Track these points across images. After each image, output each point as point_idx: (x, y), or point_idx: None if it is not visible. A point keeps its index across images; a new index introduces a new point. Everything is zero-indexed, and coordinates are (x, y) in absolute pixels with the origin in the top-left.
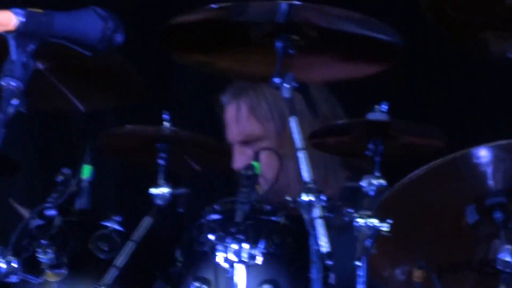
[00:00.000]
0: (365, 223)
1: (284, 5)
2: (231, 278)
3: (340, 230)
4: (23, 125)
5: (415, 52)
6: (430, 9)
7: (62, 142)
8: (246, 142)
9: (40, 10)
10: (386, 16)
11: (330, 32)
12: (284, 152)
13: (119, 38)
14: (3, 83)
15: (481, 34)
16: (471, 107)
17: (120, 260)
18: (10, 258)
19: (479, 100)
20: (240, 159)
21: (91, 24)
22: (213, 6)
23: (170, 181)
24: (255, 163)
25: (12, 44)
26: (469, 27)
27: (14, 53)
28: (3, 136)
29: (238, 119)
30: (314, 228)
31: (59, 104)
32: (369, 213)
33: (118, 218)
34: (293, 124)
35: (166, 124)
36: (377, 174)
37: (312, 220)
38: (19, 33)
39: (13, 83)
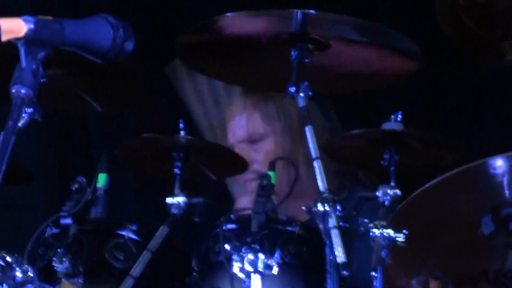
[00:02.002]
0: (381, 233)
1: (299, 14)
2: None
3: (355, 240)
4: (40, 133)
5: (431, 62)
6: (448, 21)
7: (79, 150)
8: (249, 140)
9: (50, 18)
10: (402, 27)
11: (345, 41)
12: (296, 159)
13: (129, 46)
14: (13, 90)
15: (499, 45)
16: (486, 117)
17: (136, 269)
18: (26, 267)
19: (494, 110)
20: None
21: (101, 32)
22: (229, 15)
23: (186, 190)
24: (270, 173)
25: (22, 51)
26: (488, 38)
27: (24, 60)
28: (15, 143)
29: (243, 116)
30: (330, 238)
31: (75, 106)
32: (384, 223)
33: (133, 227)
34: (309, 133)
35: (182, 133)
36: (392, 184)
37: (327, 230)
38: (29, 40)
39: (23, 91)
